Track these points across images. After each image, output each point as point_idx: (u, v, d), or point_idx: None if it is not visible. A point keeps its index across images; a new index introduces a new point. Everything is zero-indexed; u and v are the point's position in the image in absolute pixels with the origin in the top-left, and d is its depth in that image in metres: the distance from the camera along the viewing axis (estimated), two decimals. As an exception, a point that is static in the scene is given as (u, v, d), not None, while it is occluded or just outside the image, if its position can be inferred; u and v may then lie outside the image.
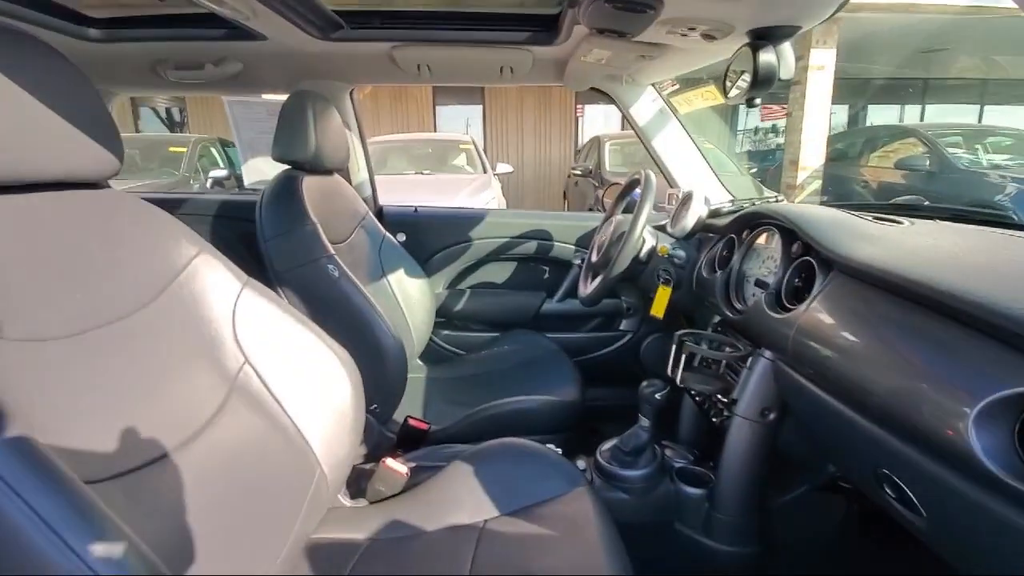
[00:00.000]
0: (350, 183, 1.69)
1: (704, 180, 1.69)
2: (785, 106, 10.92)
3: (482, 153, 5.88)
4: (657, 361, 1.86)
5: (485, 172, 5.48)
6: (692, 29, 0.97)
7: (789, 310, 0.91)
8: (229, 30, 1.24)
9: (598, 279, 1.39)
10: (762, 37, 0.98)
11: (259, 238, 1.21)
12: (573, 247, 1.78)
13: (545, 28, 1.25)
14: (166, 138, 6.42)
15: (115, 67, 1.46)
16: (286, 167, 1.33)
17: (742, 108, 10.58)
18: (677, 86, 1.56)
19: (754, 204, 1.38)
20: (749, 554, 1.05)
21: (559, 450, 1.09)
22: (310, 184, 1.28)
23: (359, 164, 1.75)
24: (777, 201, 1.38)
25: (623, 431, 1.18)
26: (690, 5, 0.90)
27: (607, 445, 1.20)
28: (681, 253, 1.34)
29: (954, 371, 0.59)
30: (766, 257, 1.10)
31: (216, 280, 0.79)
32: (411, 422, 1.24)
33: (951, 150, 5.54)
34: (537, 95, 9.13)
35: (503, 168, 5.76)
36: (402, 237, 1.76)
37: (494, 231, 1.78)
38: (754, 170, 7.17)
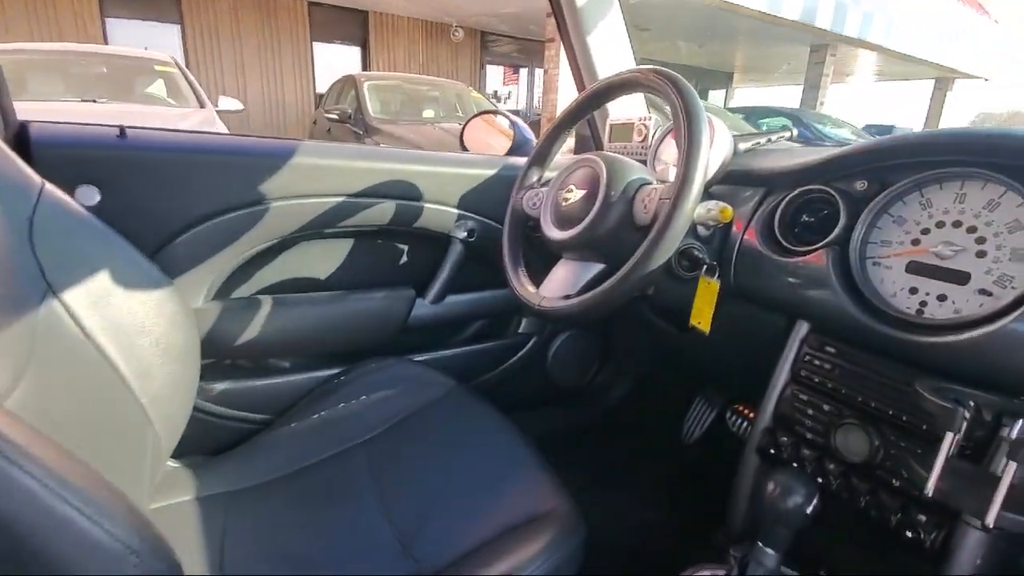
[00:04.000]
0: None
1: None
2: (516, 74, 11.38)
3: (192, 80, 4.30)
4: (572, 372, 1.32)
5: (203, 107, 3.99)
6: None
7: None
8: None
9: (586, 274, 0.74)
10: None
11: None
12: (455, 212, 1.06)
13: None
14: None
15: None
16: None
17: (491, 72, 10.59)
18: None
19: (784, 136, 0.90)
20: None
21: None
22: None
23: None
24: (792, 137, 0.93)
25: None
26: None
27: None
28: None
29: None
30: (927, 224, 0.62)
31: None
32: None
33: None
34: (258, 16, 7.37)
35: (229, 104, 4.31)
36: (93, 196, 0.78)
37: (309, 182, 0.92)
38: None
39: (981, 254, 0.57)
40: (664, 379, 1.37)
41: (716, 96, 14.66)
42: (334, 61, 8.22)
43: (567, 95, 6.06)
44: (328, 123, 5.10)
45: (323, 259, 1.02)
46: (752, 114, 8.19)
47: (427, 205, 1.02)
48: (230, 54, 7.32)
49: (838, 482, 0.63)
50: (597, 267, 0.76)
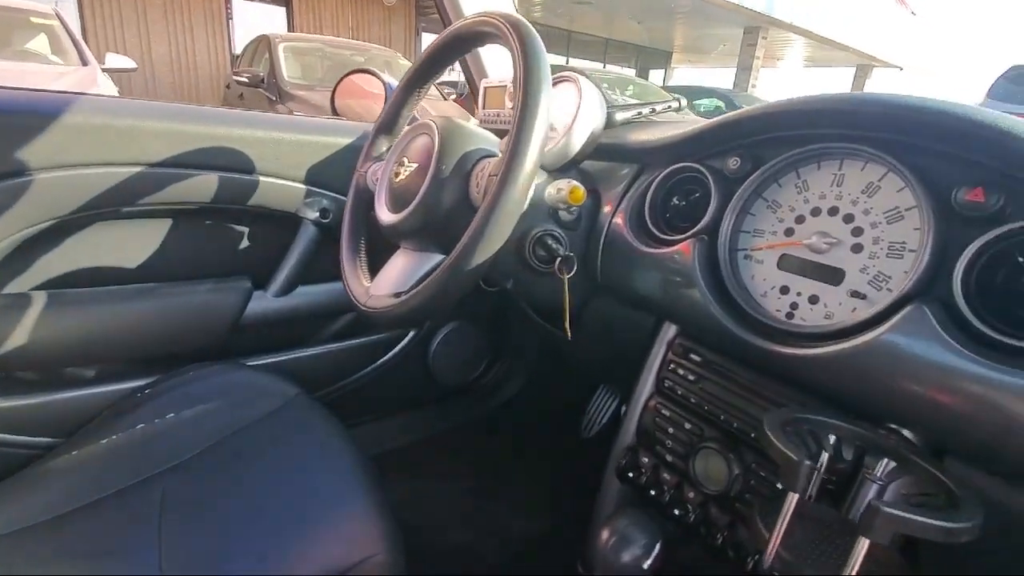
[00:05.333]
0: None
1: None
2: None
3: (75, 35, 3.82)
4: (457, 368, 1.20)
5: (86, 64, 3.55)
6: None
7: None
8: None
9: (421, 267, 0.61)
10: None
11: None
12: (302, 187, 0.89)
13: None
14: None
15: None
16: None
17: (427, 41, 10.11)
18: None
19: (672, 107, 0.79)
20: None
21: None
22: None
23: None
24: (680, 108, 0.83)
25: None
26: None
27: None
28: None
29: None
30: (803, 211, 0.53)
31: None
32: None
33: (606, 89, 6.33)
34: (163, -33, 6.66)
35: (117, 61, 3.86)
36: None
37: (93, 148, 0.73)
38: (452, 96, 6.84)
39: (857, 248, 0.48)
40: (561, 373, 1.27)
41: (656, 75, 14.76)
42: (260, 21, 7.60)
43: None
44: (241, 88, 4.67)
45: (128, 245, 0.83)
46: (688, 94, 8.27)
47: (264, 179, 0.85)
48: (131, 6, 6.59)
49: (696, 513, 0.54)
50: (436, 258, 0.63)
